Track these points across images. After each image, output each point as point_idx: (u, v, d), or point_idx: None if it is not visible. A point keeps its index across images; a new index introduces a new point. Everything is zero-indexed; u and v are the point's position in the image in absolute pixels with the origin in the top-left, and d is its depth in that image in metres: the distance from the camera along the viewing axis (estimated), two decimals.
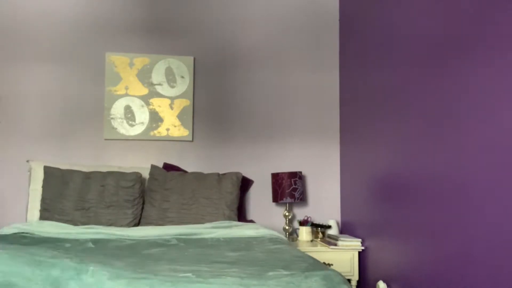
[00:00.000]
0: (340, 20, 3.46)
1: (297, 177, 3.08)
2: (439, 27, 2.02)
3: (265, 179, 3.30)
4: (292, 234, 3.23)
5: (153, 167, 2.98)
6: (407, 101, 2.31)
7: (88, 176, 2.81)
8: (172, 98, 3.23)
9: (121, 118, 3.15)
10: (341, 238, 2.83)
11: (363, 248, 2.84)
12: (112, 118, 3.15)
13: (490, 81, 1.65)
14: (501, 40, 1.60)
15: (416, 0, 2.24)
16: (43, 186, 2.80)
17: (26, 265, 1.29)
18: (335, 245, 2.82)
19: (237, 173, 2.99)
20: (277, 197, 3.09)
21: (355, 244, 2.83)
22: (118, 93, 3.17)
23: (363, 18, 2.98)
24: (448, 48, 1.94)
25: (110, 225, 2.67)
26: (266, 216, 3.27)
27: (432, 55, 2.07)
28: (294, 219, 3.28)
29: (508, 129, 1.55)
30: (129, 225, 2.73)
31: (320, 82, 3.42)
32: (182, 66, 3.24)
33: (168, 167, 3.10)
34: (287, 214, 3.11)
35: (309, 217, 3.20)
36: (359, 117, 3.02)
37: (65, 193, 2.74)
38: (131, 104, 3.17)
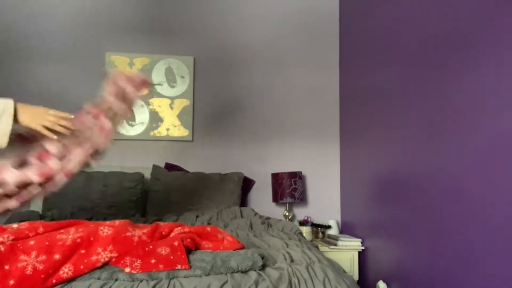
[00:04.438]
0: (340, 20, 3.46)
1: (297, 177, 3.08)
2: (439, 27, 2.02)
3: (265, 179, 3.30)
4: None
5: (155, 167, 2.98)
6: (407, 101, 2.31)
7: (90, 176, 2.81)
8: (172, 98, 3.22)
9: None
10: (341, 238, 2.84)
11: (363, 248, 2.84)
12: None
13: (490, 80, 1.66)
14: (500, 40, 1.60)
15: (416, 0, 2.24)
16: None
17: None
18: (335, 245, 2.82)
19: (238, 173, 2.99)
20: (277, 197, 3.09)
21: (355, 244, 2.83)
22: None
23: (363, 18, 2.98)
24: (448, 48, 1.94)
25: None
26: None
27: (432, 55, 2.07)
28: (294, 219, 3.28)
29: (508, 129, 1.56)
30: None
31: (320, 82, 3.42)
32: (182, 66, 3.24)
33: (170, 167, 3.10)
34: (287, 214, 3.11)
35: (309, 217, 3.21)
36: (359, 117, 3.02)
37: (67, 193, 2.73)
38: None
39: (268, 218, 2.57)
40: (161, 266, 1.31)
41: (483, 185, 1.69)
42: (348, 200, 3.19)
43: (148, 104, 3.19)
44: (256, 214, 2.65)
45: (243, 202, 3.21)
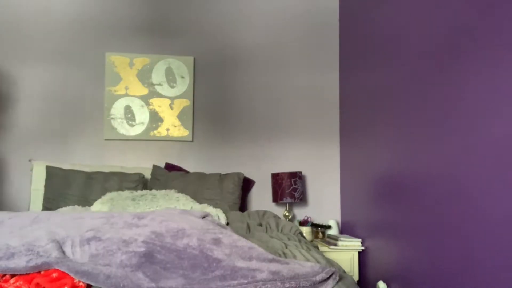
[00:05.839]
0: (340, 20, 3.46)
1: (297, 177, 3.08)
2: (439, 27, 2.02)
3: (265, 179, 3.30)
4: None
5: (155, 167, 2.98)
6: (407, 101, 2.31)
7: (90, 177, 2.80)
8: (172, 98, 3.22)
9: (121, 118, 3.15)
10: (341, 238, 2.84)
11: (363, 248, 2.84)
12: (112, 118, 3.14)
13: (490, 81, 1.66)
14: (500, 42, 1.60)
15: (416, 1, 2.24)
16: (45, 186, 2.79)
17: None
18: (335, 245, 2.82)
19: (238, 174, 2.99)
20: (277, 197, 3.09)
21: (355, 244, 2.83)
22: (118, 93, 3.16)
23: (363, 18, 2.98)
24: (448, 49, 1.94)
25: None
26: None
27: (432, 55, 2.07)
28: (294, 219, 3.28)
29: (508, 129, 1.56)
30: None
31: (320, 82, 3.42)
32: (182, 66, 3.24)
33: (170, 167, 3.10)
34: (287, 214, 3.11)
35: (309, 217, 3.21)
36: (359, 117, 3.02)
37: (68, 193, 2.73)
38: (131, 104, 3.17)
39: (265, 212, 2.50)
40: None
41: (483, 186, 1.69)
42: (348, 200, 3.19)
43: (148, 104, 3.19)
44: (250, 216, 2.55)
45: (243, 202, 3.21)
